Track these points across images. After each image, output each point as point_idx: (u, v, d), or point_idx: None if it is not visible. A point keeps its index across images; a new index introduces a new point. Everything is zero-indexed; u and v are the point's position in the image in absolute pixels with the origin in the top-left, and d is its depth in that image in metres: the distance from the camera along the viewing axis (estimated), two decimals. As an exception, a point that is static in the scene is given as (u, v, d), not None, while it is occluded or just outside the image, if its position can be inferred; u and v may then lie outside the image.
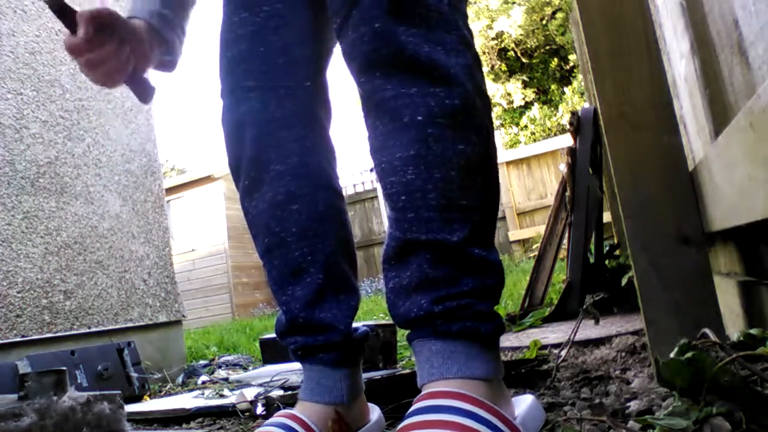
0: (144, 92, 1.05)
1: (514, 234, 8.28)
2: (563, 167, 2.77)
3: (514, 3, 14.23)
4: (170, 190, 9.68)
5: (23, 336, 2.27)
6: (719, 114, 1.02)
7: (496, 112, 14.24)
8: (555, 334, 2.10)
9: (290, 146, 0.97)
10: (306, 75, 0.99)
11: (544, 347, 1.72)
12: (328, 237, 0.97)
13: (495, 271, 0.79)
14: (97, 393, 1.10)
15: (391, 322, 1.90)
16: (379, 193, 6.54)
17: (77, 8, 0.95)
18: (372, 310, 4.87)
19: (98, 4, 0.96)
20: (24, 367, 2.06)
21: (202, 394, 1.92)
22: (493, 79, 14.35)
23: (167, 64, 1.07)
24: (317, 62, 1.01)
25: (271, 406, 1.40)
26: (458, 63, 0.79)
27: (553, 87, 14.01)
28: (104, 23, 0.94)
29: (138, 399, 2.26)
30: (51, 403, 0.99)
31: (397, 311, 0.80)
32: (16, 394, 1.03)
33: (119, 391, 1.18)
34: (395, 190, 0.78)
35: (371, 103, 0.81)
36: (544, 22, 14.10)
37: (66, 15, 0.94)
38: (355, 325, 1.01)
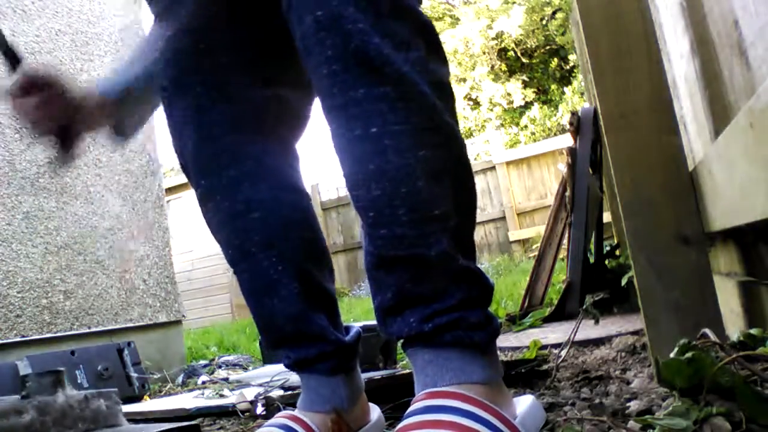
0: (66, 151, 0.99)
1: (514, 234, 8.27)
2: (562, 167, 2.77)
3: (514, 3, 14.23)
4: (170, 190, 9.67)
5: (23, 336, 2.27)
6: (719, 114, 1.02)
7: (496, 112, 14.25)
8: (555, 334, 2.10)
9: (244, 149, 0.90)
10: (259, 76, 0.92)
11: (544, 347, 1.72)
12: (296, 243, 0.91)
13: (480, 280, 0.77)
14: (94, 391, 1.14)
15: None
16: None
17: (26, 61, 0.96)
18: (371, 310, 4.86)
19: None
20: (24, 368, 2.06)
21: (202, 394, 1.92)
22: (493, 79, 14.34)
23: (116, 138, 1.01)
24: (275, 65, 0.94)
25: (271, 406, 1.40)
26: (409, 58, 0.71)
27: (553, 87, 14.01)
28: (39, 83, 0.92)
29: (138, 399, 2.26)
30: (50, 401, 1.03)
31: (387, 329, 0.78)
32: (17, 395, 1.07)
33: (116, 389, 1.21)
34: (362, 205, 0.74)
35: (322, 105, 0.76)
36: (544, 22, 14.09)
37: (10, 58, 0.95)
38: (346, 324, 0.99)
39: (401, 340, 0.79)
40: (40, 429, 0.99)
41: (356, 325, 1.00)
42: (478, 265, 0.79)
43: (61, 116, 0.93)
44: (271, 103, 0.93)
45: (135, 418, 1.68)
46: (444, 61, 0.78)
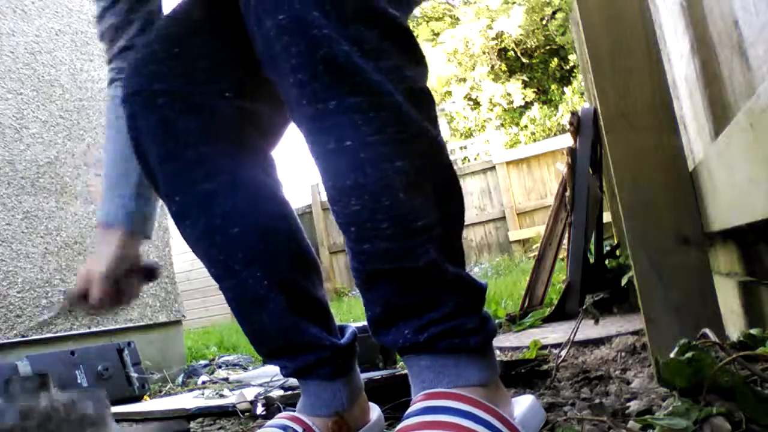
0: (150, 275, 1.07)
1: (514, 234, 8.26)
2: (561, 166, 2.77)
3: (514, 3, 14.22)
4: (170, 190, 9.64)
5: (23, 336, 2.27)
6: (719, 114, 1.02)
7: (496, 112, 14.24)
8: (555, 334, 2.10)
9: (216, 161, 0.86)
10: (229, 85, 0.87)
11: (544, 347, 1.72)
12: (279, 254, 0.88)
13: (470, 284, 0.75)
14: (82, 392, 1.13)
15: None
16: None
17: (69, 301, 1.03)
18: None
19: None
20: (24, 367, 2.06)
21: (202, 394, 1.92)
22: (493, 79, 14.34)
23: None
24: (246, 75, 0.88)
25: (271, 406, 1.40)
26: (380, 66, 0.67)
27: (553, 87, 14.00)
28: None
29: (138, 399, 2.26)
30: (33, 404, 1.02)
31: (382, 340, 0.76)
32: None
33: (105, 390, 1.21)
34: (342, 221, 0.71)
35: (291, 115, 0.72)
36: (544, 22, 14.09)
37: (75, 306, 1.04)
38: (340, 324, 0.98)
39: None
40: None
41: (352, 325, 0.99)
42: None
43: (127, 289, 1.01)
44: (244, 114, 0.90)
45: (133, 419, 1.69)
46: (421, 63, 0.74)
